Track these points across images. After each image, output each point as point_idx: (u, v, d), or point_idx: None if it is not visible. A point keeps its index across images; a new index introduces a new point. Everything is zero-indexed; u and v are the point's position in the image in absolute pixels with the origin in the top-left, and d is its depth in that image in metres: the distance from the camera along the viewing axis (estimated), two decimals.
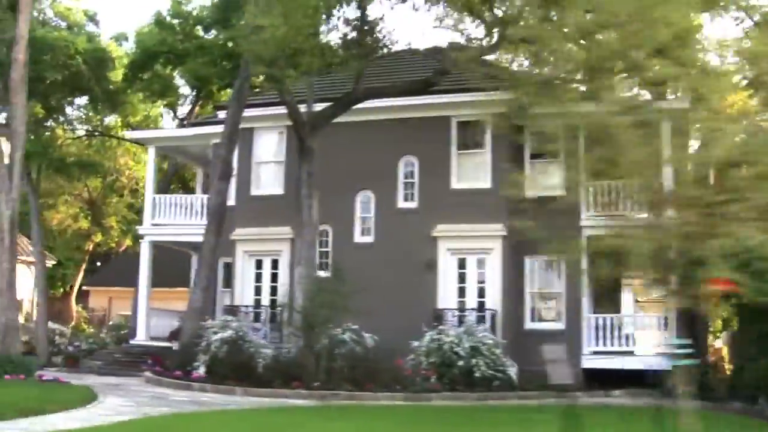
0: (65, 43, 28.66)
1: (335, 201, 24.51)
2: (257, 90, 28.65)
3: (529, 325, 23.79)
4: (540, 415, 15.55)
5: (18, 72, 21.74)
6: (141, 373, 24.05)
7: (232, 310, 24.53)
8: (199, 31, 36.09)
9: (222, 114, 25.80)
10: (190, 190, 37.68)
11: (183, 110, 38.57)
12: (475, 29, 21.55)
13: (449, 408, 17.23)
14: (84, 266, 47.70)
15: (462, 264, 23.48)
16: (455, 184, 23.84)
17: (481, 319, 22.64)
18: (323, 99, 23.17)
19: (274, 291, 25.00)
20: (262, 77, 27.09)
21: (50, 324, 35.79)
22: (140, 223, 47.52)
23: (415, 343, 21.22)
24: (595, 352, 23.10)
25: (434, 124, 24.05)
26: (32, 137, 29.04)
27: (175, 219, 27.91)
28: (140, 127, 41.07)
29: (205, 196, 28.00)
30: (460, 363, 20.16)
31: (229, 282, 26.74)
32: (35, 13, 29.46)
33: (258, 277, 25.31)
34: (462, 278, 23.44)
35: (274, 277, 25.08)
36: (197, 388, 19.74)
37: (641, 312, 26.42)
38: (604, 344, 23.24)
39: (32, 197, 29.11)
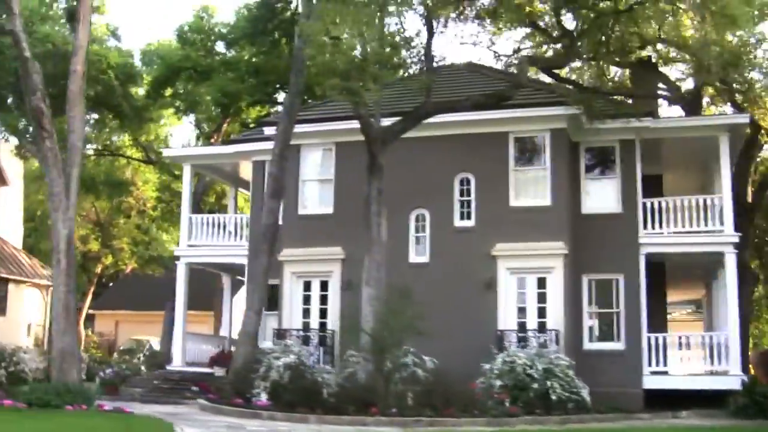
0: (98, 57, 27.82)
1: (388, 220, 23.86)
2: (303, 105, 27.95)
3: (587, 345, 23.26)
4: None
5: (76, 84, 20.96)
6: (186, 400, 23.22)
7: (281, 333, 23.75)
8: (220, 47, 35.54)
9: (270, 130, 25.06)
10: (216, 210, 36.98)
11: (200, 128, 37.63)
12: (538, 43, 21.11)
13: None
14: (92, 289, 46.49)
15: (521, 283, 22.88)
16: (513, 201, 23.25)
17: (542, 341, 22.04)
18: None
19: (323, 313, 24.29)
20: (317, 92, 26.40)
21: None
22: (148, 244, 47.16)
23: (486, 366, 20.58)
24: (654, 372, 22.67)
25: (490, 140, 23.50)
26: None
27: (212, 240, 27.11)
28: (150, 146, 40.40)
29: (242, 216, 27.31)
30: (535, 386, 19.50)
31: (272, 304, 26.01)
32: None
33: (306, 299, 24.53)
34: (521, 298, 22.83)
35: (323, 299, 24.35)
36: (266, 417, 18.85)
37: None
38: (665, 364, 22.85)
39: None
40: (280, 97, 37.31)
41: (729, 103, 28.60)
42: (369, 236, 20.56)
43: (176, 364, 26.76)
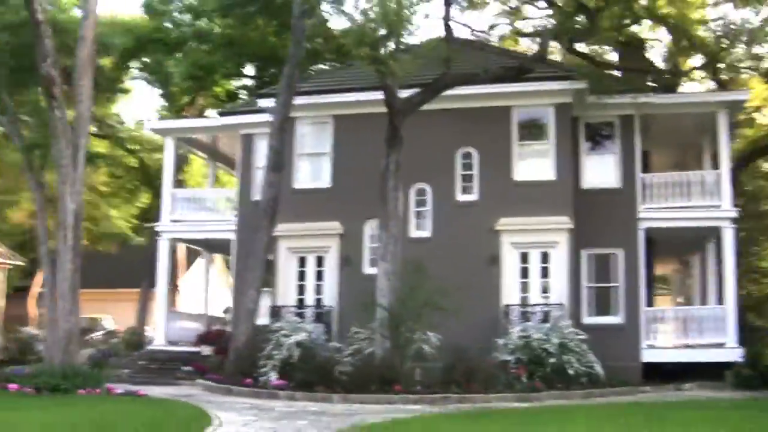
0: (75, 26, 26.29)
1: None
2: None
3: (586, 319, 23.24)
4: (730, 411, 14.69)
5: (86, 50, 19.73)
6: (180, 381, 22.44)
7: (276, 310, 23.09)
8: (186, 19, 34.23)
9: (265, 102, 24.25)
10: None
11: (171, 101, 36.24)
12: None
13: (580, 408, 16.23)
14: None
15: (524, 258, 22.71)
16: (517, 176, 23.04)
17: (546, 315, 21.96)
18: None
19: (318, 290, 23.72)
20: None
21: (27, 329, 33.41)
22: (98, 221, 45.37)
23: (500, 341, 20.42)
24: (652, 346, 22.85)
25: (493, 114, 23.22)
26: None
27: (196, 215, 26.16)
28: (104, 121, 38.85)
29: (229, 190, 26.41)
30: (552, 360, 19.42)
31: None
32: None
33: (301, 275, 23.89)
34: (524, 273, 22.67)
35: (319, 275, 23.76)
36: (284, 397, 18.24)
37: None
38: (662, 338, 23.02)
39: (37, 193, 26.66)
40: (248, 70, 36.37)
41: (714, 81, 28.91)
42: (385, 211, 20.05)
43: (159, 343, 25.81)
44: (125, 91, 35.24)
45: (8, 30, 26.65)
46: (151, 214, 55.45)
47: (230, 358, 21.44)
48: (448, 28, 19.75)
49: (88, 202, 44.82)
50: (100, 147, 43.20)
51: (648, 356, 22.58)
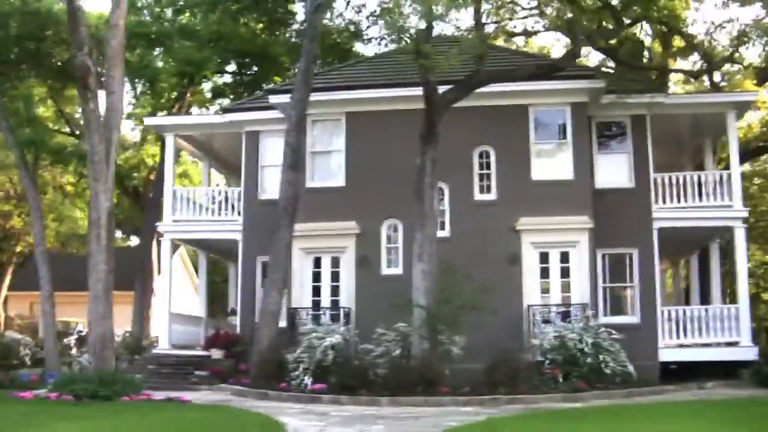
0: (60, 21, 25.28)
1: (404, 194, 22.98)
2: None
3: (603, 319, 23.22)
4: None
5: (118, 39, 18.83)
6: (198, 385, 21.67)
7: (292, 313, 22.56)
8: (167, 14, 33.30)
9: (276, 98, 23.71)
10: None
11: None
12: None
13: (639, 407, 16.15)
14: (11, 269, 42.89)
15: (544, 258, 22.66)
16: (536, 175, 22.98)
17: (566, 315, 21.96)
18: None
19: (334, 291, 23.25)
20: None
21: (9, 333, 32.11)
22: (62, 222, 43.93)
23: (534, 341, 20.32)
24: (669, 346, 23.01)
25: (510, 112, 23.12)
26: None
27: (199, 215, 25.38)
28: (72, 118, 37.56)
29: (234, 189, 25.70)
30: (589, 360, 19.37)
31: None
32: None
33: (316, 277, 23.37)
34: (544, 273, 22.63)
35: (335, 276, 23.29)
36: (328, 401, 17.72)
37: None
38: (678, 337, 23.20)
39: (32, 191, 25.50)
40: (229, 67, 35.54)
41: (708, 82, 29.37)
42: (421, 210, 19.70)
43: (163, 347, 24.97)
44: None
45: (4, 18, 25.53)
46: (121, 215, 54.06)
47: (254, 361, 20.81)
48: (480, 24, 19.52)
49: (50, 202, 43.71)
50: (69, 145, 41.94)
51: (665, 356, 22.71)
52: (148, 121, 27.34)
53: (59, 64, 27.37)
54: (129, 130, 42.31)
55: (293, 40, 32.87)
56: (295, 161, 21.88)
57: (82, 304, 42.46)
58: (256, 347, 20.96)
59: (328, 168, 23.88)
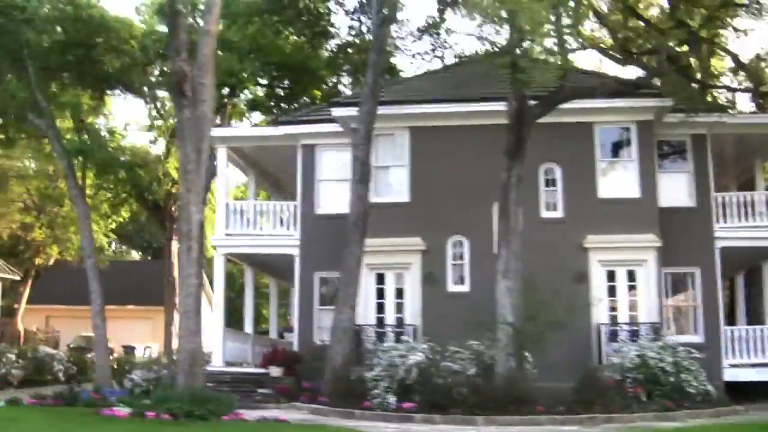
0: (121, 25, 24.93)
1: (469, 210, 22.95)
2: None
3: (667, 338, 23.04)
4: None
5: (209, 46, 18.43)
6: (263, 404, 21.13)
7: (358, 330, 22.20)
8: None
9: (339, 111, 23.49)
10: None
11: None
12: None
13: (745, 425, 16.05)
14: (30, 282, 42.06)
15: (611, 276, 22.56)
16: (602, 193, 22.90)
17: (634, 333, 21.84)
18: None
19: (398, 308, 22.96)
20: None
21: (43, 348, 31.48)
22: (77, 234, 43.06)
23: (614, 360, 20.13)
24: (733, 365, 22.93)
25: (575, 130, 23.04)
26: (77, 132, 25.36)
27: (253, 229, 24.95)
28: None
29: (289, 204, 25.33)
30: (671, 379, 19.21)
31: (326, 300, 24.38)
32: None
33: (380, 293, 23.07)
34: (612, 290, 22.51)
35: (399, 293, 23.01)
36: (421, 420, 17.39)
37: None
38: (741, 357, 23.12)
39: (80, 202, 24.93)
40: (262, 79, 35.17)
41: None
42: (506, 226, 19.50)
43: (216, 364, 24.44)
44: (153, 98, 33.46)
45: (52, 24, 25.10)
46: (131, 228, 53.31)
47: (327, 378, 20.42)
48: (562, 40, 19.42)
49: (64, 216, 42.99)
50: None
51: (729, 375, 22.60)
52: None
53: (109, 71, 26.87)
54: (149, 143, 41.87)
55: (332, 53, 32.63)
56: (364, 175, 21.62)
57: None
58: (329, 364, 20.60)
59: (392, 183, 23.62)
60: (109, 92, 30.09)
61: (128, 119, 42.65)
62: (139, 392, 22.65)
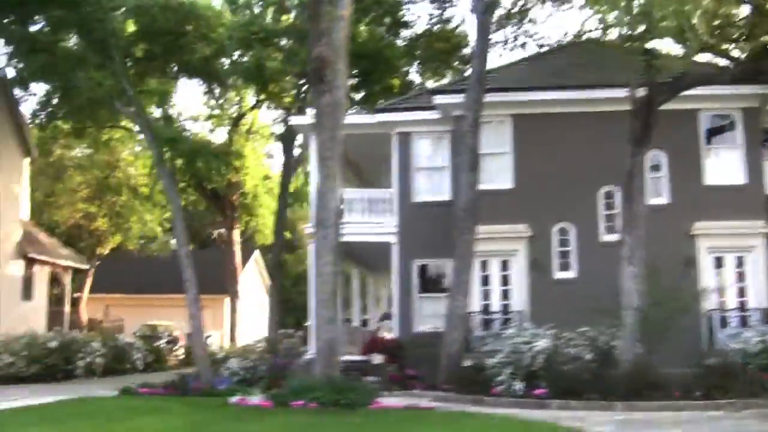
0: (212, 13, 24.78)
1: (574, 197, 22.88)
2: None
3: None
4: None
5: (342, 31, 18.30)
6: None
7: (466, 317, 22.14)
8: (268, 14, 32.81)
9: (441, 99, 23.45)
10: None
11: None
12: None
13: None
14: (93, 272, 42.11)
15: (718, 263, 22.48)
16: (708, 180, 22.80)
17: (745, 320, 21.79)
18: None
19: (504, 295, 22.91)
20: None
21: (121, 337, 31.54)
22: (145, 224, 43.27)
23: (734, 346, 20.01)
24: None
25: (679, 116, 22.81)
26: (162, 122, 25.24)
27: (350, 217, 24.82)
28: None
29: (386, 191, 25.26)
30: None
31: (426, 287, 24.35)
32: None
33: (484, 280, 23.01)
34: (719, 277, 22.43)
35: (504, 280, 22.96)
36: (557, 406, 17.32)
37: None
38: None
39: (172, 191, 24.84)
40: None
41: None
42: (630, 213, 19.37)
43: (313, 352, 24.31)
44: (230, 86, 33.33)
45: (139, 14, 25.03)
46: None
47: (443, 365, 20.40)
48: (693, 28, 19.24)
49: (122, 205, 43.03)
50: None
51: None
52: (293, 120, 26.87)
53: (191, 60, 26.75)
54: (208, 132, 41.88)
55: (409, 41, 32.47)
56: (473, 162, 21.55)
57: (163, 307, 42.05)
58: (445, 351, 20.60)
59: (494, 170, 23.47)
60: (187, 81, 29.90)
61: (182, 108, 42.23)
62: (238, 380, 22.81)
